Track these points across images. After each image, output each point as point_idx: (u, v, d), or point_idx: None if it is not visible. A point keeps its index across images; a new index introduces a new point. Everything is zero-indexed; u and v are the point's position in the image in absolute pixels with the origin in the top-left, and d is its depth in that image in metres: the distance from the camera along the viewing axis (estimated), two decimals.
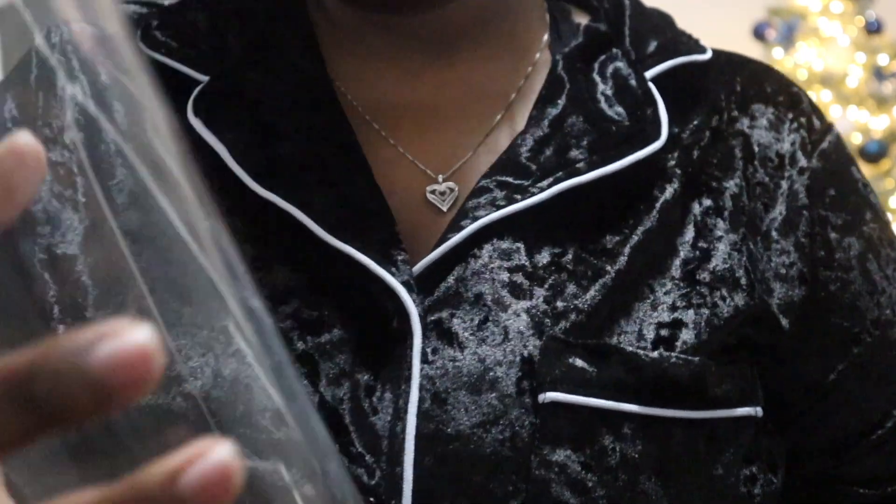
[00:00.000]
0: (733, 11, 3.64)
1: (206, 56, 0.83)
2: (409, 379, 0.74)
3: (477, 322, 0.76)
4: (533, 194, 0.79)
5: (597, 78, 0.86)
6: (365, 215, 0.78)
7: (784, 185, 0.88)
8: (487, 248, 0.78)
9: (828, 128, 0.93)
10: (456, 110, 0.84)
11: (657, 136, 0.84)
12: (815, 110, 0.94)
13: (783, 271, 0.86)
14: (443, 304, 0.76)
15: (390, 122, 0.83)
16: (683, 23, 0.94)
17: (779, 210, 0.88)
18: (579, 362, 0.76)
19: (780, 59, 3.44)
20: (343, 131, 0.81)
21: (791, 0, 3.47)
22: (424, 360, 0.75)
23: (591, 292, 0.79)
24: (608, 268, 0.80)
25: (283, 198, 0.77)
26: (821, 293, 0.88)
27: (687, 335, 0.81)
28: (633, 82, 0.86)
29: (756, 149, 0.89)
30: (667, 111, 0.86)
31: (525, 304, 0.77)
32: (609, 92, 0.86)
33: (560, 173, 0.80)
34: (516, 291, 0.77)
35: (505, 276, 0.78)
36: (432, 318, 0.76)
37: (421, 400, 0.74)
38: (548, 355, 0.76)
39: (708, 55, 0.91)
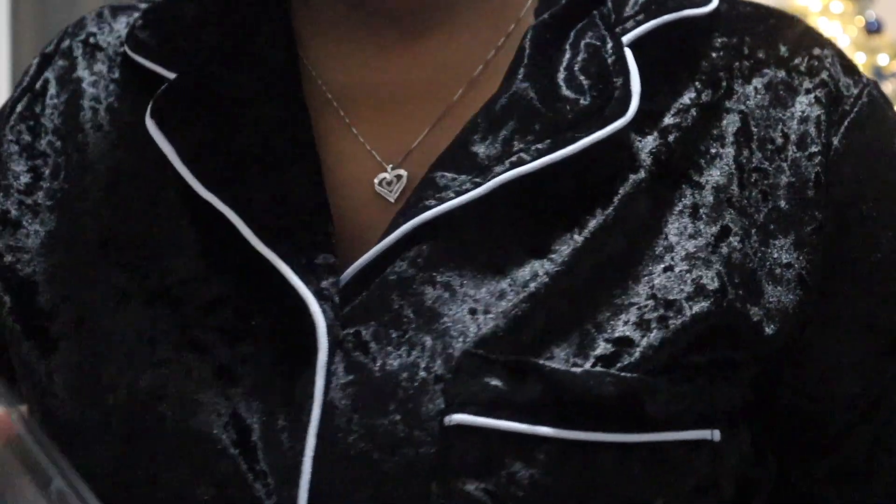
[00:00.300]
0: None
1: (183, 52, 0.81)
2: (311, 396, 0.70)
3: (395, 336, 0.71)
4: (468, 190, 0.73)
5: (567, 49, 0.77)
6: (303, 215, 0.75)
7: (788, 171, 0.77)
8: (419, 249, 0.73)
9: (860, 93, 0.80)
10: (420, 89, 0.79)
11: (622, 113, 0.74)
12: (848, 71, 0.81)
13: (778, 271, 0.76)
14: (362, 316, 0.72)
15: (354, 105, 0.79)
16: None
17: (780, 201, 0.77)
18: (494, 381, 0.70)
19: None
20: (300, 122, 0.78)
21: (791, 0, 3.47)
22: (333, 376, 0.70)
23: (520, 302, 0.72)
24: (541, 273, 0.72)
25: (223, 198, 0.74)
26: (837, 298, 0.78)
27: (633, 351, 0.72)
28: (606, 50, 0.76)
29: (755, 129, 0.77)
30: (649, 83, 0.76)
31: (449, 316, 0.71)
32: (577, 65, 0.76)
33: (506, 163, 0.73)
34: (441, 301, 0.72)
35: (431, 284, 0.72)
36: (350, 330, 0.71)
37: (323, 420, 0.70)
38: (461, 373, 0.70)
39: (707, 8, 0.80)
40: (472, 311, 0.72)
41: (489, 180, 0.73)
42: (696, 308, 0.74)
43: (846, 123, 0.78)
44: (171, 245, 0.77)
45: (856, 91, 0.80)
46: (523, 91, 0.76)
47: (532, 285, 0.72)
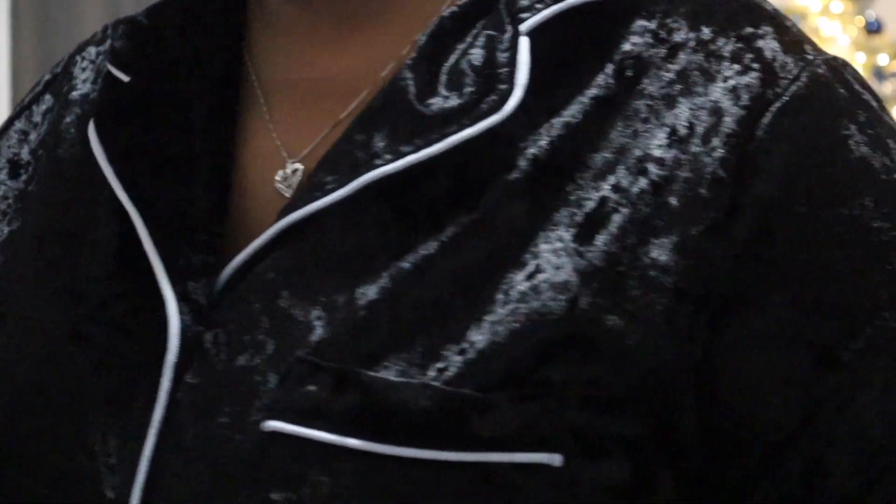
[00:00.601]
0: None
1: (147, 57, 0.81)
2: (154, 400, 0.71)
3: (246, 339, 0.71)
4: (332, 191, 0.71)
5: (467, 40, 0.72)
6: (198, 215, 0.76)
7: (687, 165, 0.69)
8: (284, 251, 0.72)
9: (798, 73, 0.70)
10: (339, 85, 0.76)
11: (498, 109, 0.69)
12: (790, 49, 0.71)
13: (652, 274, 0.68)
14: (225, 318, 0.72)
15: (277, 101, 0.78)
16: None
17: (671, 197, 0.69)
18: (316, 388, 0.68)
19: None
20: (223, 120, 0.79)
21: (791, 0, 3.47)
22: (186, 377, 0.71)
23: (363, 308, 0.69)
24: (390, 280, 0.69)
25: (134, 197, 0.75)
26: (758, 308, 0.69)
27: (466, 362, 0.68)
28: (500, 40, 0.71)
29: (655, 120, 0.70)
30: (550, 76, 0.70)
31: (297, 320, 0.70)
32: (467, 57, 0.72)
33: (373, 163, 0.71)
34: (294, 305, 0.70)
35: (289, 288, 0.71)
36: (210, 333, 0.71)
37: (167, 419, 0.70)
38: (288, 379, 0.68)
39: None
40: (319, 317, 0.70)
41: (349, 182, 0.71)
42: (536, 317, 0.68)
43: (775, 109, 0.69)
44: (90, 243, 0.78)
45: (794, 71, 0.70)
46: (403, 87, 0.72)
47: (376, 292, 0.69)
